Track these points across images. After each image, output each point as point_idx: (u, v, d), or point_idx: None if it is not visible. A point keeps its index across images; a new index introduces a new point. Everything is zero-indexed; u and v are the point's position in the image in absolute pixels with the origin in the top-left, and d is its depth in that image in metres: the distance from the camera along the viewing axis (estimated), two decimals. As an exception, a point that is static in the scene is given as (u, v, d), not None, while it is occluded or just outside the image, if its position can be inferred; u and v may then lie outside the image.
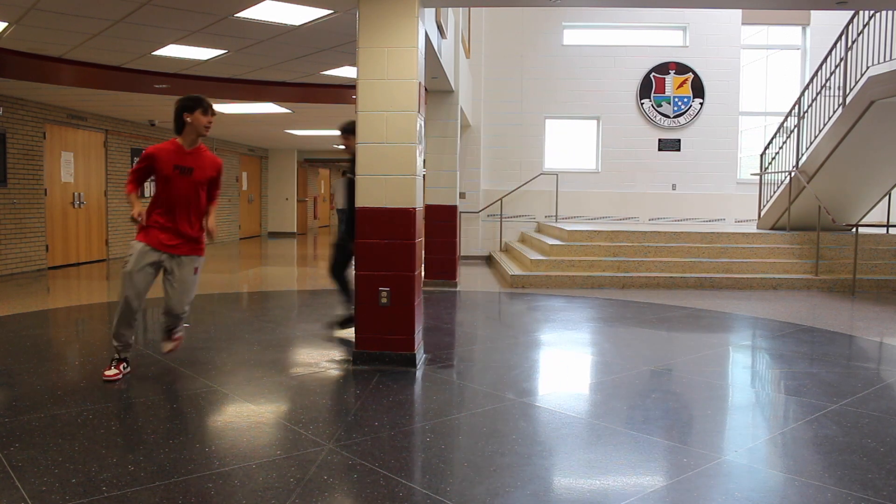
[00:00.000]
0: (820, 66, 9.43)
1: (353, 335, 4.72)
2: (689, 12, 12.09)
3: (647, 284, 8.76)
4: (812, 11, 12.14)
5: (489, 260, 11.79)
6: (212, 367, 4.59)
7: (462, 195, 11.63)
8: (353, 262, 4.85)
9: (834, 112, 8.89)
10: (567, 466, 3.08)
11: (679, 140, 12.37)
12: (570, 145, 12.73)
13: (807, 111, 9.77)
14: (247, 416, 3.62)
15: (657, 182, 12.38)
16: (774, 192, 10.47)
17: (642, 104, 12.31)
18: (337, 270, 5.68)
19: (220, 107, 10.05)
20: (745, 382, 4.74)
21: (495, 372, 4.64)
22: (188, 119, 4.13)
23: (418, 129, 4.59)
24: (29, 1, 5.27)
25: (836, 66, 9.03)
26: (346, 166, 5.88)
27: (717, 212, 12.33)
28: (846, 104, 8.47)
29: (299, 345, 5.44)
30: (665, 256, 9.34)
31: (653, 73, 12.27)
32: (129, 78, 7.96)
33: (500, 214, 12.15)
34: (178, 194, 4.18)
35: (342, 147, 5.68)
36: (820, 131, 9.21)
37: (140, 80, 8.05)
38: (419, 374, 4.50)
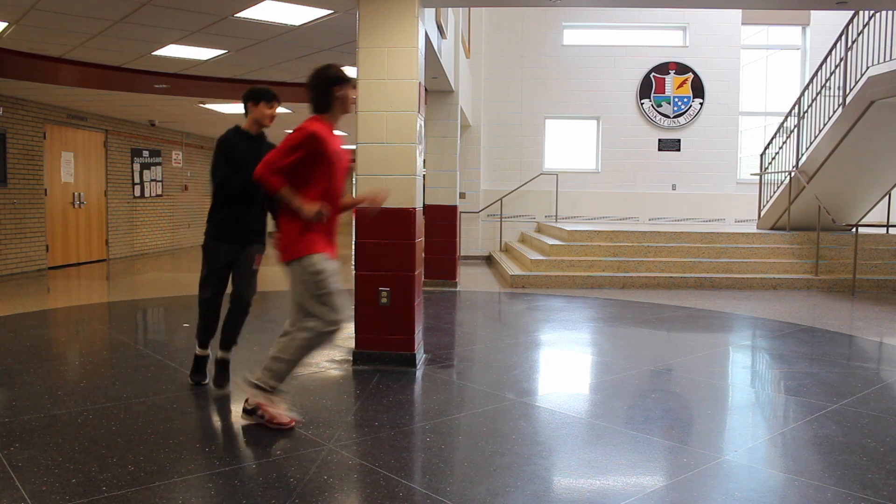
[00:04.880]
0: (820, 66, 9.43)
1: None
2: (689, 12, 12.09)
3: (647, 284, 8.76)
4: (812, 11, 12.13)
5: (489, 260, 11.79)
6: (212, 367, 4.58)
7: (462, 195, 11.62)
8: None
9: (834, 112, 8.89)
10: (567, 466, 3.08)
11: (679, 140, 12.37)
12: (569, 145, 12.73)
13: (807, 111, 9.77)
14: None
15: (657, 182, 12.38)
16: (774, 193, 10.47)
17: (642, 104, 12.31)
18: None
19: (220, 107, 10.06)
20: (745, 382, 4.74)
21: (495, 372, 4.64)
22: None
23: (418, 129, 4.59)
24: (29, 1, 5.27)
25: (836, 66, 9.03)
26: None
27: (717, 212, 12.33)
28: (846, 104, 8.47)
29: (299, 345, 5.43)
30: (665, 256, 9.34)
31: (653, 73, 12.27)
32: (129, 78, 7.95)
33: (500, 214, 12.14)
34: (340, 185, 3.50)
35: None
36: (820, 131, 9.21)
37: (140, 80, 8.05)
38: (419, 374, 4.50)
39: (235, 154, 3.82)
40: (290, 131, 3.36)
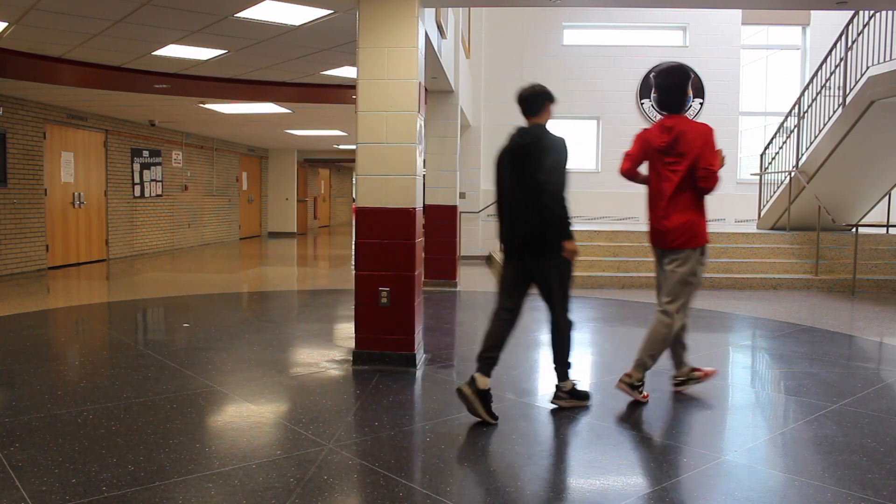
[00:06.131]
0: (820, 66, 9.43)
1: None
2: (689, 12, 12.09)
3: (647, 284, 8.75)
4: (812, 11, 12.14)
5: (489, 260, 11.78)
6: (212, 367, 4.59)
7: (462, 195, 11.62)
8: None
9: (834, 112, 8.89)
10: (567, 466, 3.08)
11: (679, 140, 12.35)
12: (569, 145, 12.71)
13: (807, 111, 9.77)
14: (247, 416, 3.62)
15: (657, 182, 12.35)
16: (774, 193, 10.47)
17: (642, 104, 12.31)
18: None
19: (220, 107, 10.06)
20: (745, 382, 4.74)
21: (495, 372, 4.63)
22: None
23: (418, 129, 4.59)
24: (29, 1, 5.27)
25: (836, 66, 9.03)
26: None
27: (717, 212, 12.26)
28: (846, 104, 8.47)
29: (299, 345, 5.44)
30: (665, 256, 9.33)
31: (653, 73, 12.26)
32: (129, 78, 7.96)
33: (500, 214, 12.12)
34: None
35: None
36: (820, 131, 9.20)
37: (140, 80, 8.05)
38: (419, 374, 4.50)
39: None
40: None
